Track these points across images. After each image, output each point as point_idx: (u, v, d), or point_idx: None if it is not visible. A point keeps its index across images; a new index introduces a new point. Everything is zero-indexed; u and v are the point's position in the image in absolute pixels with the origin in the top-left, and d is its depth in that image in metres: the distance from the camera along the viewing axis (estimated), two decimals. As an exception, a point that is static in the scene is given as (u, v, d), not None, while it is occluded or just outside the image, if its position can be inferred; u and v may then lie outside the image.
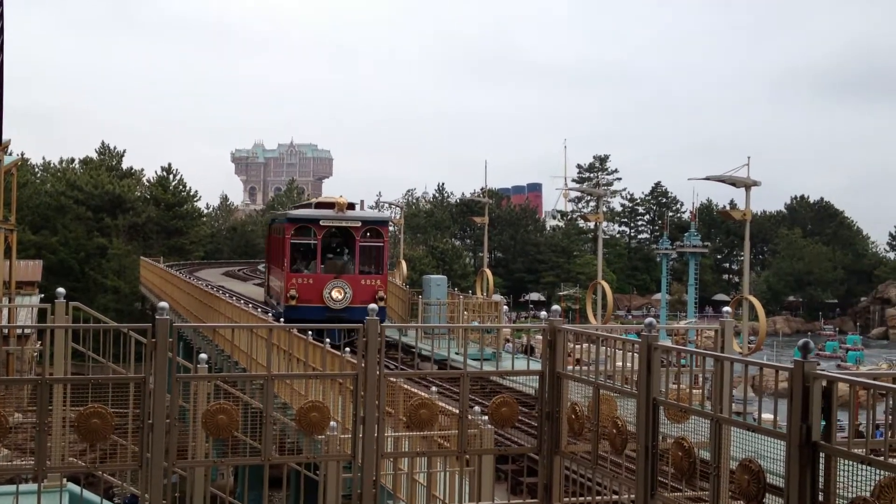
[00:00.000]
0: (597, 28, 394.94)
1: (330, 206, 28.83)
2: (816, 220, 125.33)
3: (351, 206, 28.77)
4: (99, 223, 78.11)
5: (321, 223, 27.94)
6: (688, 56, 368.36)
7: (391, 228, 40.11)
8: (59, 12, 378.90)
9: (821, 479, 5.56)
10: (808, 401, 5.55)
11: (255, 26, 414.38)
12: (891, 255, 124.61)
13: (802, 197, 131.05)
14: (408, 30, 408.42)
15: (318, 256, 28.02)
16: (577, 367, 8.47)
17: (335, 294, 27.00)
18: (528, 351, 41.06)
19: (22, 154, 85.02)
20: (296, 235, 28.26)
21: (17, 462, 8.61)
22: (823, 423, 5.67)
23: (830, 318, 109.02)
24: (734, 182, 27.16)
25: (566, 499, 8.28)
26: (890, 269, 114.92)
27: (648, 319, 7.30)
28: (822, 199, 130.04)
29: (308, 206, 31.50)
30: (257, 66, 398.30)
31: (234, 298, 30.75)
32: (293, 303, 26.84)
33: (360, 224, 28.16)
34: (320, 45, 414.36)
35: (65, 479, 8.11)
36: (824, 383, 5.56)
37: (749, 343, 26.07)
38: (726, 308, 8.91)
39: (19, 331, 30.61)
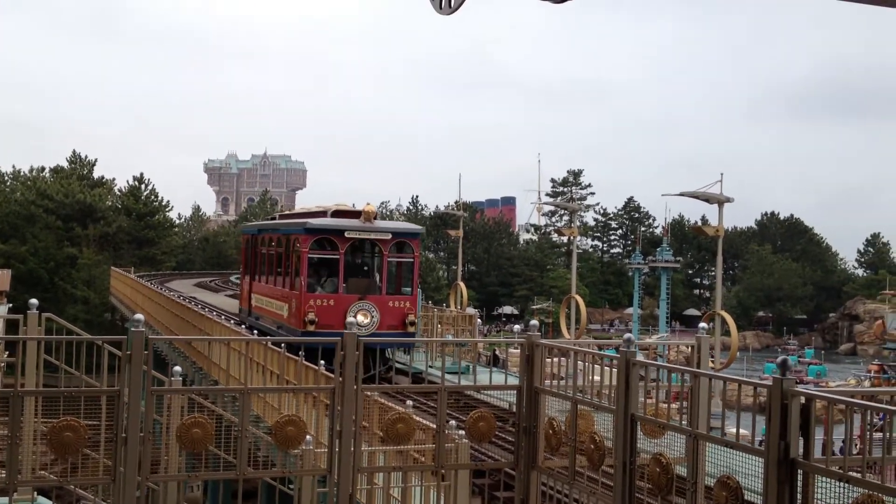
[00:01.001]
0: (575, 46, 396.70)
1: (353, 214, 25.19)
2: (786, 237, 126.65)
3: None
4: (69, 233, 77.41)
5: (346, 234, 24.23)
6: (664, 75, 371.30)
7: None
8: (30, 20, 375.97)
9: (799, 496, 5.59)
10: (786, 418, 5.59)
11: (231, 38, 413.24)
12: (859, 271, 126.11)
13: (773, 213, 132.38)
14: (385, 45, 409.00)
15: (340, 274, 24.42)
16: (552, 382, 8.47)
17: (360, 318, 23.50)
18: (494, 363, 41.00)
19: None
20: (314, 249, 24.69)
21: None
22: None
23: (800, 333, 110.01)
24: (707, 198, 27.44)
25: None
26: (858, 286, 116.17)
27: (627, 335, 7.31)
28: (791, 215, 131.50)
29: (320, 214, 26.34)
30: (232, 77, 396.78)
31: (207, 310, 30.54)
32: (311, 328, 23.34)
33: (389, 237, 24.71)
34: (297, 59, 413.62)
35: (35, 492, 8.01)
36: (802, 400, 5.60)
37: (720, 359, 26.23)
38: (702, 324, 8.96)
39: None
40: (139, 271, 63.81)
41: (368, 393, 9.95)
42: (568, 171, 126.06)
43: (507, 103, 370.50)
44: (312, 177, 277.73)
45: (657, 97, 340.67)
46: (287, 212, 33.28)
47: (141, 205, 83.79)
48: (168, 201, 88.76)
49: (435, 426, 8.60)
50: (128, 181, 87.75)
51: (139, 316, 7.15)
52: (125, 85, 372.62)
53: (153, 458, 7.26)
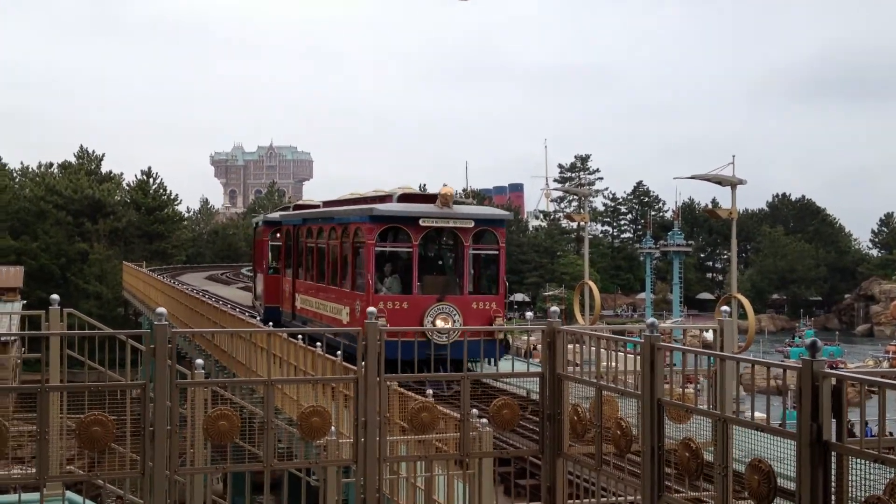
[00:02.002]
0: (580, 31, 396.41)
1: (425, 198, 22.05)
2: (798, 218, 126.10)
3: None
4: (79, 228, 77.63)
5: (421, 223, 20.76)
6: (670, 59, 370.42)
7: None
8: (36, 14, 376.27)
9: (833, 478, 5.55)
10: (817, 400, 5.54)
11: (236, 29, 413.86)
12: (874, 252, 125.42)
13: (784, 195, 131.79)
14: (391, 34, 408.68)
15: (414, 270, 20.95)
16: (574, 368, 8.44)
17: (440, 323, 20.35)
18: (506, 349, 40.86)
19: None
20: (382, 240, 21.26)
21: (16, 470, 8.49)
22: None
23: (815, 315, 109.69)
24: (720, 181, 27.29)
25: (569, 502, 8.24)
26: (873, 267, 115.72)
27: (651, 319, 7.27)
28: (803, 196, 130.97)
29: (382, 198, 22.66)
30: (237, 68, 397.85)
31: (221, 303, 30.62)
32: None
33: (472, 224, 21.15)
34: (302, 48, 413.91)
35: (64, 487, 8.06)
36: (833, 382, 5.55)
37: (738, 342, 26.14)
38: (724, 307, 8.91)
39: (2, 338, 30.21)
40: (150, 265, 64.02)
41: (390, 383, 9.94)
42: (575, 157, 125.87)
43: (512, 91, 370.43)
44: (319, 167, 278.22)
45: (663, 81, 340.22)
46: (333, 198, 28.20)
47: (150, 199, 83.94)
48: (176, 195, 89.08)
49: (457, 415, 8.60)
50: (136, 175, 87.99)
51: (161, 310, 7.14)
52: (131, 79, 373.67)
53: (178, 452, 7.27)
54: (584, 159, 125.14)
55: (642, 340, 7.21)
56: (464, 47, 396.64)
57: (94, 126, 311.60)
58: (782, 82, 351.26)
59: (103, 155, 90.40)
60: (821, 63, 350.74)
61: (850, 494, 5.45)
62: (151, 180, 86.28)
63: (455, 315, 20.58)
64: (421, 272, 21.12)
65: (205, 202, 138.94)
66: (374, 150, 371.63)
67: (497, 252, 21.73)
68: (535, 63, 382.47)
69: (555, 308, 8.73)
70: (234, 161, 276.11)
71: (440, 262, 22.58)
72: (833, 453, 5.47)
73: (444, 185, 21.36)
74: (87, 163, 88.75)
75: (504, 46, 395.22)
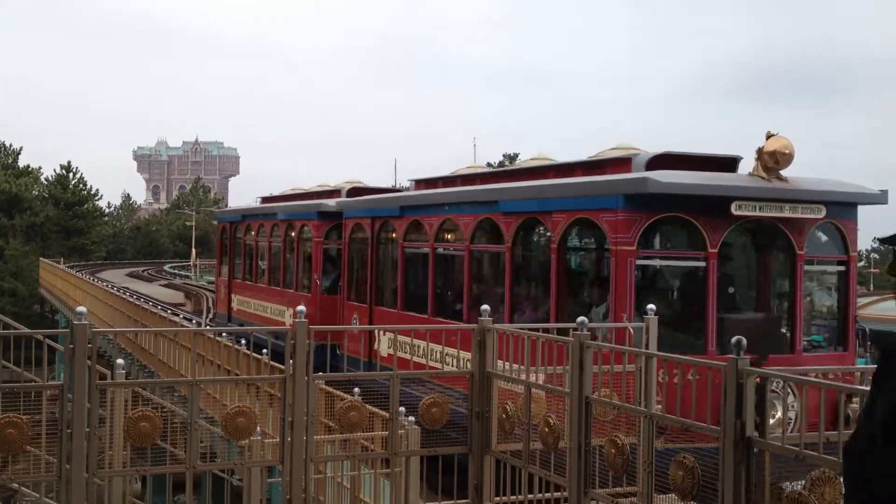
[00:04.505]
0: (515, 29, 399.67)
1: (714, 163, 12.22)
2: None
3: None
4: (-6, 223, 75.23)
5: (734, 209, 11.10)
6: (611, 58, 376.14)
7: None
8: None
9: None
10: (741, 397, 5.64)
11: (162, 24, 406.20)
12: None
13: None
14: (323, 30, 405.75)
15: (709, 304, 11.37)
16: (503, 366, 8.46)
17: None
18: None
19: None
20: (647, 244, 11.82)
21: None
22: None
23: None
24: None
25: (496, 498, 8.25)
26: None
27: (580, 318, 7.31)
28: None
29: (614, 164, 12.78)
30: (163, 63, 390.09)
31: (142, 300, 29.97)
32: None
33: (822, 214, 11.72)
34: (228, 44, 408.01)
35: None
36: (757, 379, 5.66)
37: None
38: (650, 305, 9.02)
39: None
40: (68, 262, 62.36)
41: (318, 382, 9.84)
42: (504, 155, 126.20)
43: (447, 88, 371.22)
44: (246, 163, 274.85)
45: (598, 80, 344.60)
46: (463, 172, 17.67)
47: (69, 194, 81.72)
48: (97, 190, 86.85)
49: (386, 413, 8.54)
50: (55, 170, 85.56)
51: (82, 308, 6.94)
52: (52, 72, 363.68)
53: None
54: (513, 158, 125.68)
55: (572, 339, 7.26)
56: (402, 44, 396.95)
57: (12, 119, 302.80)
58: (720, 80, 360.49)
59: (21, 149, 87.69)
60: (756, 63, 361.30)
61: (771, 489, 5.57)
62: (71, 175, 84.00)
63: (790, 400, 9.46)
64: (720, 309, 11.54)
65: (126, 197, 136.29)
66: (304, 147, 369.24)
67: (845, 268, 12.49)
68: (473, 60, 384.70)
69: (485, 306, 8.73)
70: (157, 156, 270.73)
71: (728, 289, 12.26)
72: (755, 450, 5.58)
73: (771, 134, 11.34)
74: (4, 157, 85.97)
75: (444, 43, 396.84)
